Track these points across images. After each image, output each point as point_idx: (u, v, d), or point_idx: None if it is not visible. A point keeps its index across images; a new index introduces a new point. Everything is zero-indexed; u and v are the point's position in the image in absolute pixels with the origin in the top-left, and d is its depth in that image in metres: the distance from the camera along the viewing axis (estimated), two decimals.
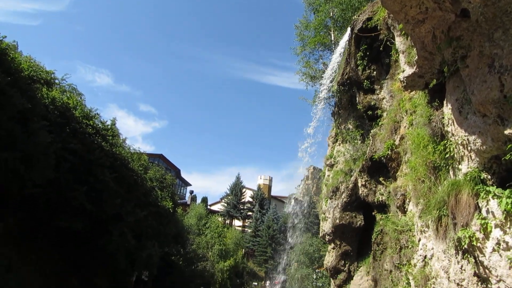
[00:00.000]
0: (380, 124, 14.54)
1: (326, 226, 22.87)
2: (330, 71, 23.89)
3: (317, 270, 33.90)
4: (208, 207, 54.88)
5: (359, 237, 21.46)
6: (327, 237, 23.06)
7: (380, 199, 17.49)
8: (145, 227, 25.29)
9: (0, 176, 14.78)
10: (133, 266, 25.69)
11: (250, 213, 56.93)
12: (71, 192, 19.59)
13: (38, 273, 18.54)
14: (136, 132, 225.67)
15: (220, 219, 50.08)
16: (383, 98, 16.76)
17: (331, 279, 24.11)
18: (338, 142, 24.07)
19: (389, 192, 11.89)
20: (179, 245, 32.91)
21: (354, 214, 21.30)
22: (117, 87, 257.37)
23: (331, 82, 22.92)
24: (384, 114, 14.65)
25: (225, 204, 57.91)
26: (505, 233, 5.20)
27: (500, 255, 5.26)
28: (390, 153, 10.98)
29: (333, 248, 22.61)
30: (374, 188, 18.43)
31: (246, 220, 57.65)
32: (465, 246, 5.72)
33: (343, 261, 21.97)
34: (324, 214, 23.21)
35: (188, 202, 50.65)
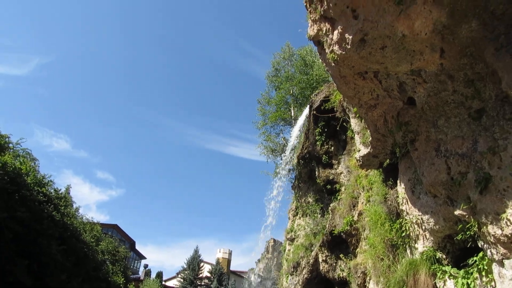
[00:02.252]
0: (339, 198, 14.84)
1: None
2: (290, 145, 24.65)
3: None
4: (163, 282, 51.32)
5: None
6: None
7: (341, 275, 17.19)
8: None
9: None
10: None
11: None
12: (9, 265, 17.79)
13: None
14: (90, 200, 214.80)
15: None
16: (341, 173, 17.30)
17: None
18: (298, 215, 24.06)
19: (350, 269, 11.76)
20: None
21: None
22: (75, 152, 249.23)
23: (291, 156, 23.54)
24: (343, 188, 15.04)
25: (181, 280, 54.44)
26: None
27: None
28: (349, 228, 11.06)
29: None
30: (334, 264, 18.19)
31: None
32: None
33: None
34: None
35: (142, 277, 47.22)
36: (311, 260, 20.71)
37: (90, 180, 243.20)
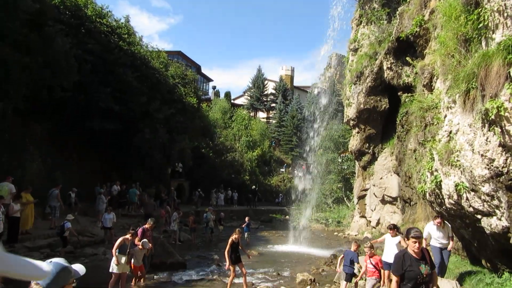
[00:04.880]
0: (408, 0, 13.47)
1: (350, 112, 23.04)
2: None
3: (342, 155, 35.23)
4: (232, 101, 55.55)
5: (383, 120, 21.69)
6: (351, 122, 23.42)
7: (406, 81, 17.12)
8: (174, 123, 26.26)
9: (28, 84, 15.19)
10: (167, 160, 27.48)
11: (273, 104, 57.38)
12: (96, 93, 20.10)
13: (81, 171, 20.19)
14: (151, 30, 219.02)
15: (244, 112, 51.08)
16: None
17: (356, 161, 25.18)
18: (362, 24, 22.75)
19: (416, 73, 11.56)
20: (207, 138, 34.38)
21: (379, 98, 21.20)
22: None
23: None
24: None
25: (248, 97, 58.37)
26: None
27: None
28: (418, 30, 10.38)
29: (358, 132, 23.11)
30: (400, 71, 17.93)
31: (270, 112, 58.48)
32: (492, 117, 5.71)
33: (367, 144, 22.62)
34: (348, 100, 23.18)
35: (212, 98, 51.20)
36: (375, 69, 20.55)
37: (147, 9, 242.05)
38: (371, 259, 8.55)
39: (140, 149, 23.37)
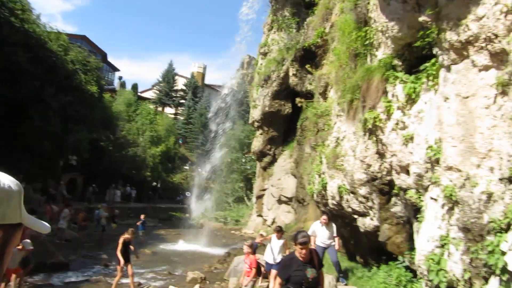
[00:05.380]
0: (315, 11, 14.32)
1: (255, 113, 23.73)
2: None
3: (246, 155, 36.06)
4: (139, 94, 53.20)
5: (286, 124, 22.76)
6: (256, 124, 24.14)
7: (308, 88, 18.21)
8: (71, 111, 24.17)
9: None
10: (60, 151, 25.19)
11: (183, 101, 56.42)
12: None
13: None
14: (54, 9, 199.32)
15: (151, 106, 49.21)
16: None
17: (258, 161, 26.01)
18: (273, 30, 23.61)
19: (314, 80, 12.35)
20: (108, 130, 32.37)
21: (283, 102, 22.18)
22: None
23: None
24: (320, 0, 14.34)
25: (157, 92, 56.45)
26: (404, 114, 5.83)
27: (397, 133, 5.96)
28: (319, 41, 11.11)
29: (261, 134, 23.91)
30: (303, 78, 18.98)
31: (179, 108, 57.37)
32: (370, 126, 6.35)
33: (269, 146, 23.52)
34: (254, 101, 23.84)
35: (117, 88, 48.41)
36: (282, 74, 21.47)
37: None
38: (247, 258, 8.56)
39: (27, 138, 21.02)
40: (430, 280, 5.15)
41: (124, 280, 10.29)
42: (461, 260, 4.70)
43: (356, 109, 6.64)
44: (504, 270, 3.95)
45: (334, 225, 9.73)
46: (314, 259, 4.71)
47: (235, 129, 37.33)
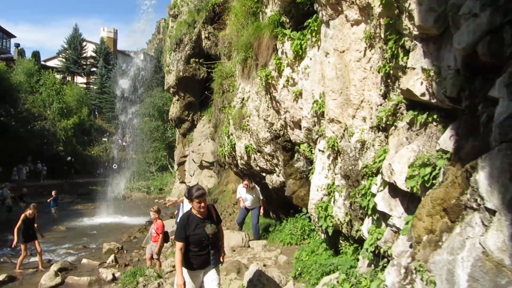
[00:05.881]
0: None
1: (170, 79, 22.90)
2: None
3: (166, 123, 35.10)
4: (43, 62, 48.18)
5: (202, 88, 22.33)
6: (171, 90, 23.36)
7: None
8: None
9: None
10: None
11: (94, 69, 52.41)
12: None
13: None
14: None
15: (58, 76, 45.01)
16: None
17: (176, 128, 25.48)
18: None
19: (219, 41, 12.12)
20: (7, 104, 29.19)
21: (197, 67, 21.61)
22: None
23: None
24: None
25: (63, 60, 51.58)
26: (293, 71, 5.96)
27: (288, 90, 6.11)
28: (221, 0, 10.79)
29: (177, 100, 23.28)
30: (216, 40, 18.58)
31: (91, 77, 53.29)
32: (263, 84, 6.42)
33: (187, 112, 23.05)
34: (168, 67, 22.95)
35: (15, 57, 43.25)
36: (194, 37, 20.75)
37: None
38: (154, 224, 8.43)
39: None
40: (320, 226, 5.53)
41: (33, 259, 9.78)
42: (343, 205, 5.08)
43: (250, 67, 6.65)
44: (374, 210, 4.33)
45: (258, 188, 9.69)
46: (212, 213, 4.56)
47: (153, 96, 35.96)
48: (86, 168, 37.53)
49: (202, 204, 4.29)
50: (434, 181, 3.27)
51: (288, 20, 5.97)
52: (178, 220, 9.14)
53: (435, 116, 3.57)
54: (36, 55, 45.26)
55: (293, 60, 5.82)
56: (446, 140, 3.24)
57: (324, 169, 5.57)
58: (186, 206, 9.28)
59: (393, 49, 3.88)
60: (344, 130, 4.96)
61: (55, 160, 32.37)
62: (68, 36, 51.85)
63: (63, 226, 15.32)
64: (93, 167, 38.55)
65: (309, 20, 5.39)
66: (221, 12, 13.43)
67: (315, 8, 5.27)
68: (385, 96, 4.32)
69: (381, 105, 4.36)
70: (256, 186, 9.76)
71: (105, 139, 43.31)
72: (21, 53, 46.06)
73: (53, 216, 16.68)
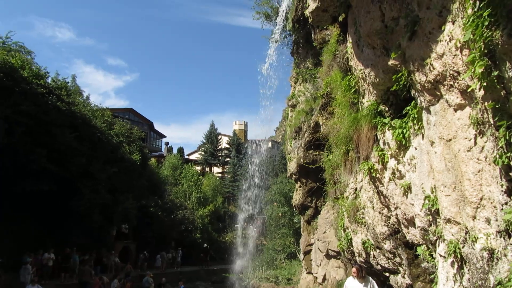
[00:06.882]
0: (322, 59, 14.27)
1: (292, 166, 23.35)
2: (284, 6, 23.01)
3: (293, 209, 35.17)
4: (186, 156, 55.07)
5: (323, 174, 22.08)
6: (293, 176, 23.64)
7: None
8: (117, 182, 25.39)
9: None
10: (111, 221, 26.16)
11: (228, 159, 57.54)
12: (31, 156, 19.31)
13: (8, 237, 18.68)
14: (107, 87, 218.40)
15: (198, 168, 50.45)
16: None
17: (300, 215, 25.15)
18: (298, 81, 23.85)
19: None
20: (156, 196, 33.38)
21: (317, 153, 21.72)
22: (80, 41, 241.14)
23: (285, 20, 22.21)
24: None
25: (202, 153, 58.25)
26: (398, 162, 5.33)
27: (395, 183, 5.43)
28: (328, 90, 10.92)
29: (300, 187, 23.31)
30: (328, 129, 18.63)
31: (225, 167, 58.38)
32: (367, 178, 5.88)
33: (309, 198, 22.74)
34: (289, 154, 23.61)
35: (165, 154, 50.63)
36: (312, 124, 21.26)
37: (102, 67, 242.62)
38: None
39: (78, 211, 22.18)
40: None
41: None
42: None
43: (352, 161, 6.23)
44: None
45: (372, 280, 8.64)
46: None
47: (279, 182, 36.96)
48: (220, 254, 39.21)
49: None
50: None
51: (387, 109, 5.55)
52: None
53: None
54: (180, 150, 52.21)
55: (397, 151, 5.26)
56: None
57: (449, 279, 4.55)
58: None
59: (507, 137, 3.14)
60: (465, 234, 4.05)
61: (193, 247, 34.77)
62: (206, 132, 58.93)
63: None
64: (227, 253, 40.09)
65: (408, 108, 4.91)
66: (330, 100, 13.56)
67: (412, 95, 4.80)
68: (509, 193, 3.43)
69: (506, 203, 3.47)
70: (370, 277, 8.54)
71: (237, 225, 45.28)
72: (170, 150, 53.70)
73: None
